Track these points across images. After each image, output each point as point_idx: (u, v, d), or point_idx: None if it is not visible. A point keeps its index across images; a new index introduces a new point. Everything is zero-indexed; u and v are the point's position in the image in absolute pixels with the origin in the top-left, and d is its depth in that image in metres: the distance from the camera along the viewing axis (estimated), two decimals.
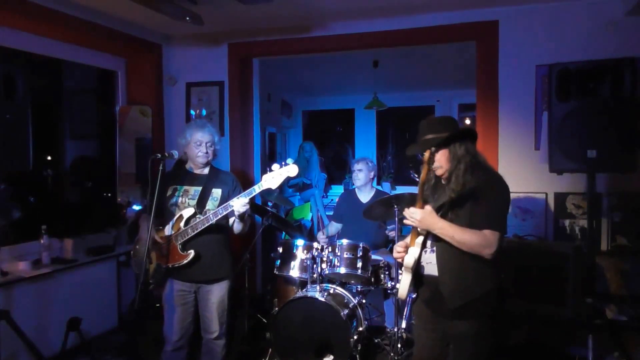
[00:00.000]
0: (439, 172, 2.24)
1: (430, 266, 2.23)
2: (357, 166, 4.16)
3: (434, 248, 2.22)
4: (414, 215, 2.13)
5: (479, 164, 2.21)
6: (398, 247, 2.31)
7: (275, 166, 2.65)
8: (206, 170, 2.98)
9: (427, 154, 2.12)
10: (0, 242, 3.16)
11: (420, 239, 2.23)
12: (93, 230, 4.09)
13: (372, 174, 4.18)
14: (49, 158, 4.46)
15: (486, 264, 2.11)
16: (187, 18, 3.48)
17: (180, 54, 4.64)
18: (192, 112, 4.64)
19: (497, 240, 2.07)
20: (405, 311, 3.89)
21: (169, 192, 2.89)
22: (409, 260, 2.20)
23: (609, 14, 3.53)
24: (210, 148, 2.91)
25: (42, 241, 3.50)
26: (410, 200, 3.44)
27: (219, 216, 2.70)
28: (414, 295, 2.36)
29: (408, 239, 2.33)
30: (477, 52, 3.94)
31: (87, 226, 4.13)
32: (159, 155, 2.69)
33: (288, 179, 2.70)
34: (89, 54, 4.13)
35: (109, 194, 4.57)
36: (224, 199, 2.86)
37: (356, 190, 4.24)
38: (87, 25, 3.72)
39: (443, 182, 2.28)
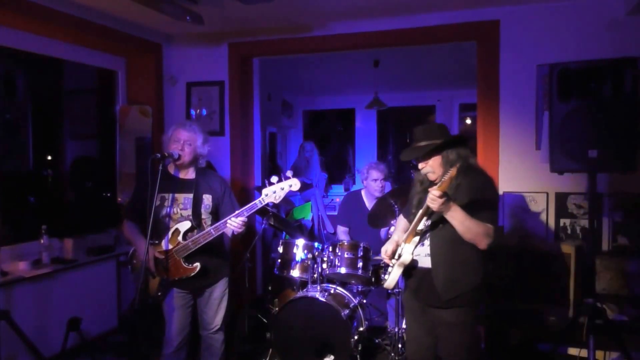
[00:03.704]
0: (431, 177, 2.39)
1: (420, 258, 2.41)
2: (375, 174, 3.93)
3: (424, 242, 2.39)
4: (439, 197, 2.14)
5: (471, 167, 2.37)
6: (388, 252, 2.49)
7: (274, 178, 2.56)
8: (192, 174, 2.85)
9: (422, 166, 2.37)
10: (0, 242, 3.15)
11: (417, 238, 2.38)
12: (93, 230, 4.08)
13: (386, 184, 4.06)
14: (49, 158, 4.46)
15: (475, 257, 2.32)
16: (187, 18, 3.48)
17: (181, 54, 4.64)
18: (193, 111, 4.63)
19: (494, 234, 2.28)
20: None
21: (158, 202, 2.71)
22: (407, 257, 2.40)
23: (609, 13, 3.53)
24: (188, 146, 2.75)
25: (42, 241, 3.50)
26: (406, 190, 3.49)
27: (220, 231, 2.66)
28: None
29: (396, 237, 2.53)
30: (477, 52, 3.94)
31: (87, 226, 4.12)
32: (159, 155, 2.66)
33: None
34: (89, 53, 4.12)
35: (109, 194, 4.57)
36: (215, 206, 2.84)
37: (363, 194, 4.13)
38: (87, 24, 3.71)
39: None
